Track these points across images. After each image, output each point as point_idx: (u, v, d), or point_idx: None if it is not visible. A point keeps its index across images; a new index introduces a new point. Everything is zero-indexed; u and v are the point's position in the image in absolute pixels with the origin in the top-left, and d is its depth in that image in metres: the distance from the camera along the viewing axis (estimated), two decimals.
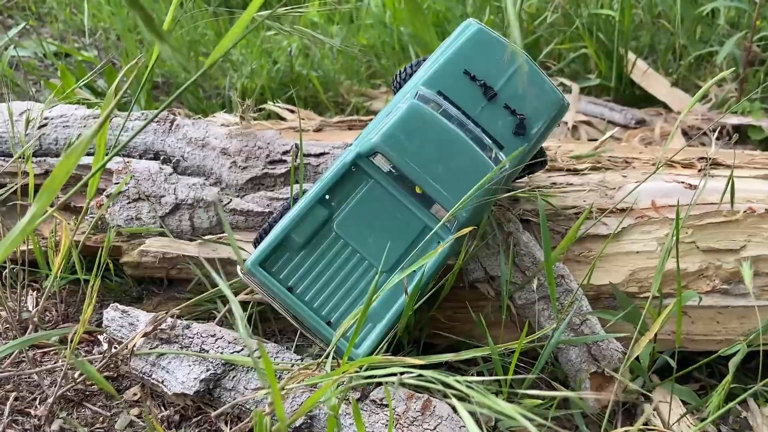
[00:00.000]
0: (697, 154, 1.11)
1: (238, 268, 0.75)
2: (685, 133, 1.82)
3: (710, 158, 1.07)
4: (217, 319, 0.83)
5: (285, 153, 0.98)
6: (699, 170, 1.04)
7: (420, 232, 0.76)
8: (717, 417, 0.83)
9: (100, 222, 0.91)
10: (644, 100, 1.99)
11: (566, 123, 1.89)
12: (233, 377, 0.73)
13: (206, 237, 0.91)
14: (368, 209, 0.75)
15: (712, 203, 0.97)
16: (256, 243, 0.77)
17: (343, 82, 2.00)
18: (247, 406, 0.72)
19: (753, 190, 1.00)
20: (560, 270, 0.89)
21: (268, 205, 0.94)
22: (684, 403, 0.91)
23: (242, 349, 0.74)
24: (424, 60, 0.86)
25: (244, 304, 0.85)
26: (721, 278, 0.94)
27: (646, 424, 0.89)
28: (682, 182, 1.01)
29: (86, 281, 0.94)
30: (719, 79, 0.87)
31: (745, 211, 0.95)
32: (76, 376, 0.77)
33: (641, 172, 1.05)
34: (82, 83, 0.96)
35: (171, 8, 0.65)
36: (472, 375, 0.93)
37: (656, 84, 1.96)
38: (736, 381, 0.93)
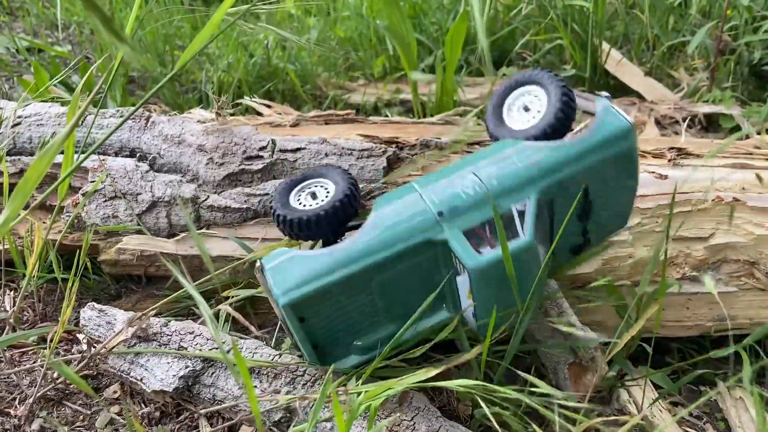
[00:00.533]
0: (668, 144, 1.13)
1: (256, 266, 0.74)
2: (658, 123, 1.85)
3: (680, 148, 1.10)
4: (200, 320, 0.84)
5: (262, 149, 0.98)
6: (669, 160, 1.06)
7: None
8: (693, 408, 0.86)
9: (76, 221, 0.91)
10: (619, 89, 2.02)
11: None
12: (212, 373, 0.74)
13: (184, 234, 0.92)
14: (411, 277, 0.69)
15: (682, 192, 1.00)
16: (277, 221, 0.75)
17: (320, 75, 2.00)
18: (227, 403, 0.73)
19: (721, 179, 1.02)
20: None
21: (245, 201, 0.94)
22: (657, 387, 0.94)
23: (225, 344, 0.74)
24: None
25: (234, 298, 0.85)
26: (691, 266, 0.96)
27: (620, 409, 0.91)
28: (653, 172, 1.03)
29: (64, 280, 0.94)
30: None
31: (713, 200, 0.98)
32: (55, 375, 0.77)
33: None
34: (56, 81, 0.95)
35: (134, 8, 0.64)
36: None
37: (630, 74, 1.99)
38: (705, 366, 0.96)
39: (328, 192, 0.78)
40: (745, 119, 1.76)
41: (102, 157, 0.97)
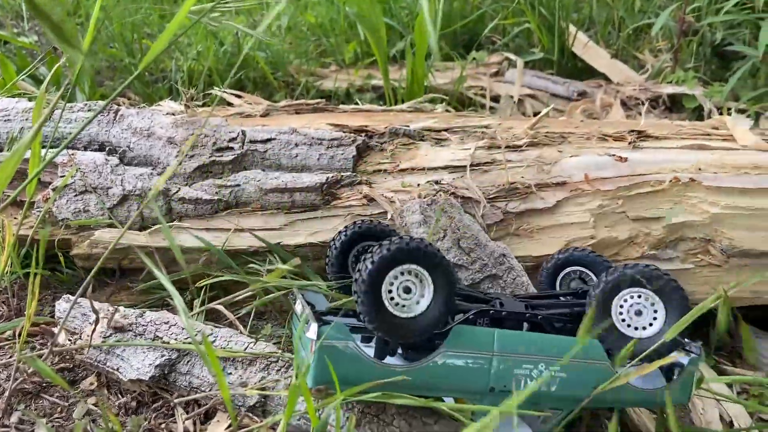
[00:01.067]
0: (628, 126, 1.16)
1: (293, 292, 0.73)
2: (624, 104, 1.89)
3: (640, 131, 1.13)
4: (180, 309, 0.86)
5: (232, 140, 0.99)
6: (629, 143, 1.10)
7: None
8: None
9: (47, 216, 0.92)
10: (586, 71, 2.06)
11: (512, 97, 1.94)
12: (188, 361, 0.76)
13: (156, 226, 0.93)
14: None
15: (641, 174, 1.03)
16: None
17: (292, 62, 2.00)
18: (203, 390, 0.75)
19: (679, 160, 1.06)
20: (501, 249, 0.94)
21: (216, 192, 0.95)
22: None
23: (197, 335, 0.76)
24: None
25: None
26: (650, 245, 1.00)
27: None
28: (614, 155, 1.06)
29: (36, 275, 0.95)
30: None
31: (670, 181, 1.01)
32: (30, 370, 0.78)
33: (576, 146, 1.10)
34: (24, 75, 0.95)
35: (94, 15, 0.65)
36: None
37: (596, 56, 2.02)
38: None
39: (423, 287, 0.67)
40: (707, 99, 1.81)
41: (71, 151, 0.97)
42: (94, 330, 0.77)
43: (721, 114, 1.79)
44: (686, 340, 0.75)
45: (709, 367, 1.03)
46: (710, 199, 1.01)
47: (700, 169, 1.04)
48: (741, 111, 1.73)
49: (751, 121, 1.24)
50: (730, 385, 1.00)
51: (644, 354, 0.70)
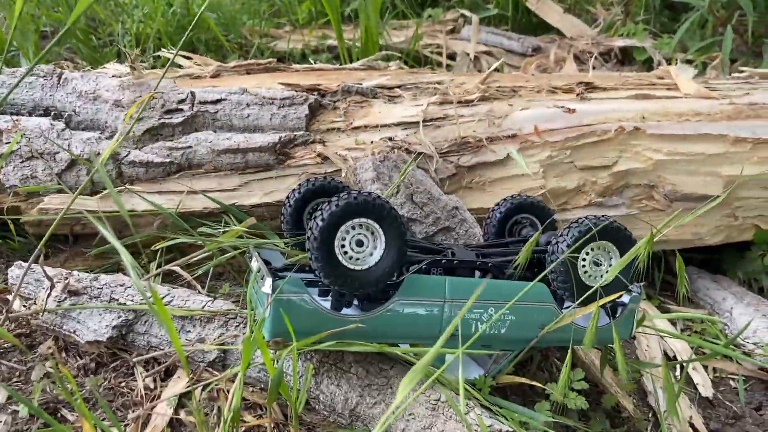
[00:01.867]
0: (576, 79, 1.19)
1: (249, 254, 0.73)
2: (577, 58, 1.91)
3: (588, 82, 1.15)
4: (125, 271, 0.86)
5: (181, 102, 0.98)
6: (577, 94, 1.12)
7: None
8: None
9: None
10: (540, 27, 2.07)
11: (468, 54, 1.95)
12: (146, 321, 0.77)
13: (107, 191, 0.92)
14: None
15: (588, 125, 1.06)
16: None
17: (245, 23, 1.96)
18: (161, 348, 0.76)
19: (624, 110, 1.09)
20: (454, 202, 0.96)
21: (168, 155, 0.95)
22: None
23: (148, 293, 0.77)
24: None
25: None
26: (597, 192, 1.03)
27: None
28: (562, 107, 1.08)
29: None
30: None
31: (615, 130, 1.04)
32: None
33: (527, 99, 1.12)
34: None
35: None
36: None
37: (550, 11, 2.04)
38: None
39: (375, 239, 0.68)
40: (656, 51, 1.84)
41: (15, 117, 0.95)
42: (49, 295, 0.77)
43: (669, 65, 1.83)
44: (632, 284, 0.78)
45: (654, 306, 1.08)
46: (653, 146, 1.04)
47: (644, 117, 1.07)
48: (688, 62, 1.77)
49: (695, 70, 1.27)
50: (673, 323, 1.05)
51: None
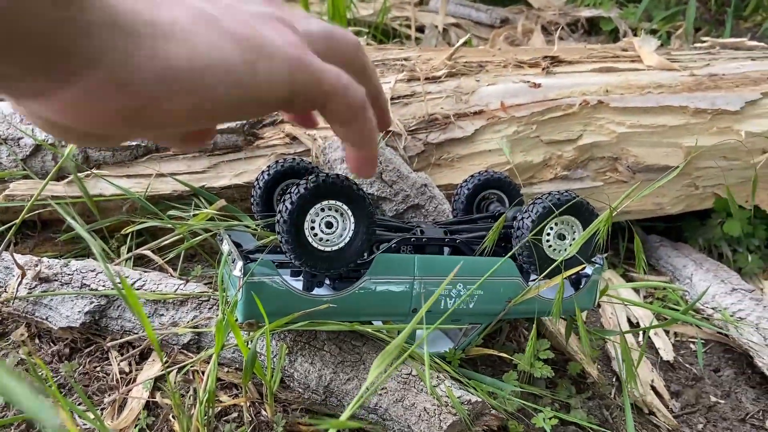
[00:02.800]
0: (542, 53, 1.20)
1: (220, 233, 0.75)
2: (544, 29, 1.92)
3: (554, 56, 1.17)
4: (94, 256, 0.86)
5: None
6: (543, 69, 1.13)
7: None
8: None
9: None
10: None
11: (436, 27, 1.94)
12: (119, 306, 0.77)
13: (72, 176, 0.91)
14: None
15: (553, 99, 1.07)
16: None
17: None
18: (136, 332, 0.77)
19: (588, 84, 1.11)
20: (423, 180, 0.97)
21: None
22: None
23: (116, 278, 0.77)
24: None
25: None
26: (562, 166, 1.05)
27: None
28: (528, 82, 1.10)
29: None
30: None
31: (580, 104, 1.06)
32: None
33: (493, 74, 1.13)
34: None
35: None
36: None
37: None
38: None
39: (344, 220, 0.68)
40: (622, 21, 1.86)
41: None
42: (20, 283, 0.77)
43: (635, 35, 1.85)
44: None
45: (618, 275, 1.12)
46: (617, 119, 1.06)
47: (607, 91, 1.09)
48: (653, 32, 1.80)
49: (658, 41, 1.29)
50: (637, 291, 1.09)
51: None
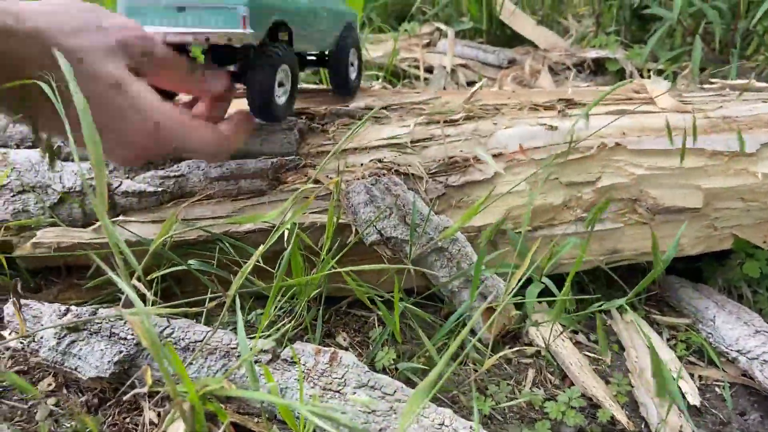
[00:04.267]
0: (557, 96, 1.22)
1: None
2: (551, 70, 1.96)
3: (568, 99, 1.18)
4: (122, 303, 0.86)
5: None
6: (558, 111, 1.15)
7: None
8: (559, 317, 0.96)
9: None
10: (514, 39, 2.11)
11: (444, 68, 1.97)
12: (147, 355, 0.77)
13: (100, 222, 0.92)
14: None
15: (571, 142, 1.09)
16: None
17: None
18: (166, 382, 0.76)
19: (605, 126, 1.12)
20: (445, 222, 0.97)
21: (160, 184, 0.95)
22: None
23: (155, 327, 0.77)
24: None
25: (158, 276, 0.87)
26: (582, 208, 1.06)
27: (530, 344, 1.02)
28: (545, 125, 1.11)
29: None
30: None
31: (598, 146, 1.07)
32: None
33: (510, 117, 1.15)
34: None
35: None
36: (373, 321, 1.01)
37: (523, 23, 2.08)
38: (603, 295, 1.08)
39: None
40: (628, 61, 1.89)
41: (3, 150, 0.94)
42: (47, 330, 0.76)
43: (641, 75, 1.88)
44: None
45: (640, 317, 1.11)
46: (634, 161, 1.08)
47: (624, 133, 1.11)
48: (659, 72, 1.83)
49: (669, 82, 1.31)
50: (660, 333, 1.08)
51: None
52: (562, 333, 1.01)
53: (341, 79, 1.15)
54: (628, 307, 1.08)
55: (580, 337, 1.07)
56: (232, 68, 0.95)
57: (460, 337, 0.50)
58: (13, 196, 0.91)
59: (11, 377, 0.52)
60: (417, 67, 1.98)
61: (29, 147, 0.98)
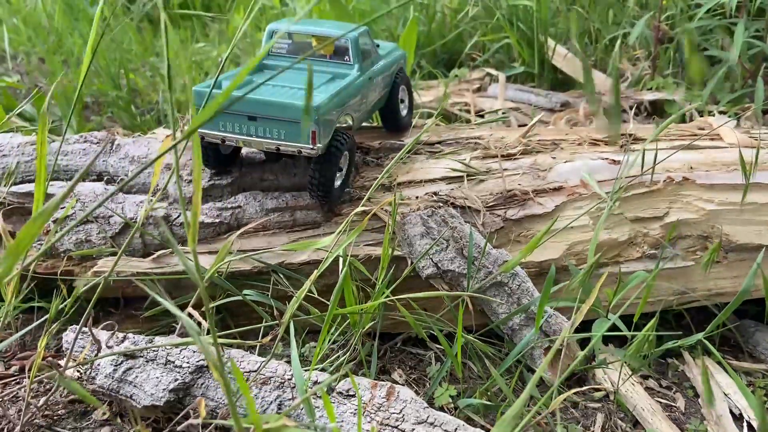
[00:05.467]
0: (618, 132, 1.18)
1: None
2: (606, 112, 1.92)
3: (630, 134, 1.15)
4: (177, 332, 0.85)
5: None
6: (621, 146, 1.12)
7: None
8: (637, 359, 0.90)
9: (49, 248, 0.91)
10: (566, 83, 2.09)
11: (496, 111, 1.97)
12: (202, 384, 0.75)
13: (159, 253, 0.92)
14: None
15: (634, 176, 1.05)
16: None
17: None
18: (218, 411, 0.74)
19: (670, 160, 1.08)
20: (504, 256, 0.94)
21: (218, 215, 0.95)
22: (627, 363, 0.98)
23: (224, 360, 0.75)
24: None
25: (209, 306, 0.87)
26: (649, 244, 1.01)
27: (597, 387, 0.96)
28: (607, 158, 1.08)
29: (40, 308, 0.94)
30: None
31: (664, 181, 1.03)
32: (40, 404, 0.77)
33: (569, 152, 1.12)
34: (15, 113, 0.95)
35: (92, 37, 0.65)
36: (429, 358, 0.97)
37: (576, 68, 2.06)
38: (671, 337, 1.01)
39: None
40: (687, 103, 1.85)
41: (69, 183, 0.97)
42: (96, 355, 0.76)
43: (702, 117, 1.82)
44: None
45: (715, 363, 1.04)
46: (704, 196, 1.03)
47: (691, 167, 1.06)
48: (721, 113, 1.77)
49: (734, 120, 1.27)
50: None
51: None
52: (631, 376, 0.95)
53: (392, 116, 1.16)
54: (702, 351, 1.02)
55: (651, 383, 1.00)
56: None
57: (532, 381, 0.47)
58: (77, 226, 0.92)
59: (72, 386, 0.50)
60: (468, 111, 1.98)
61: (94, 180, 1.00)
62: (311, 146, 0.85)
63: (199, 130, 0.85)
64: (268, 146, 0.85)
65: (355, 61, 0.99)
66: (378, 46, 1.10)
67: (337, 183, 0.95)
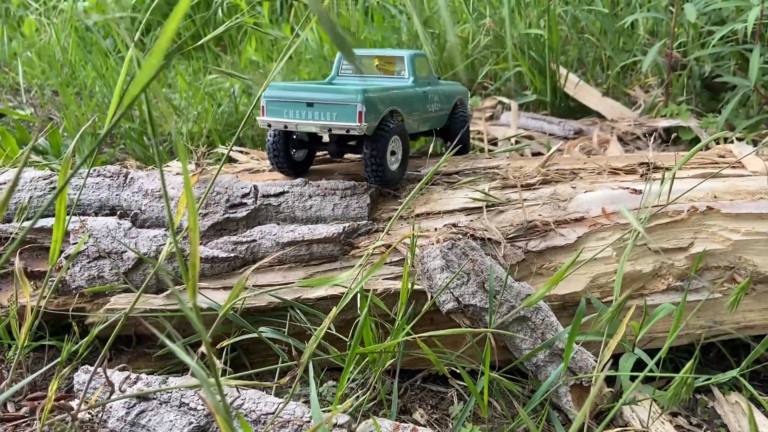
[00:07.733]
0: (637, 160, 1.17)
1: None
2: (620, 139, 1.91)
3: (651, 162, 1.13)
4: (191, 371, 0.82)
5: (244, 196, 0.98)
6: (641, 175, 1.09)
7: None
8: (676, 403, 0.87)
9: (60, 285, 0.89)
10: (579, 110, 2.08)
11: (509, 139, 1.95)
12: (217, 428, 0.73)
13: (169, 290, 0.90)
14: None
15: (661, 205, 1.02)
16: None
17: None
18: None
19: (693, 190, 1.05)
20: (527, 290, 0.92)
21: (232, 249, 0.93)
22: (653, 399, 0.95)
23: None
24: None
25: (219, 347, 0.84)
26: (675, 276, 0.98)
27: (626, 426, 0.92)
28: (628, 188, 1.06)
29: (51, 347, 0.91)
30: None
31: (688, 210, 1.01)
32: None
33: (589, 181, 1.10)
34: (30, 147, 0.94)
35: (123, 73, 0.64)
36: (451, 396, 0.94)
37: (588, 95, 2.05)
38: (699, 372, 0.98)
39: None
40: (702, 130, 1.83)
41: (82, 217, 0.95)
42: (109, 397, 0.73)
43: (718, 144, 1.80)
44: None
45: (745, 398, 1.00)
46: (730, 226, 1.00)
47: (715, 197, 1.04)
48: (738, 139, 1.75)
49: (754, 147, 1.24)
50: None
51: None
52: (662, 414, 0.91)
53: (450, 137, 1.28)
54: (733, 387, 0.98)
55: (680, 420, 0.96)
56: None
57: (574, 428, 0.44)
58: (90, 262, 0.91)
59: None
60: (481, 140, 1.97)
61: (107, 214, 0.98)
62: (358, 124, 0.96)
63: (265, 118, 1.00)
64: (323, 127, 0.97)
65: (409, 75, 1.14)
66: (439, 78, 1.26)
67: (394, 167, 1.05)
